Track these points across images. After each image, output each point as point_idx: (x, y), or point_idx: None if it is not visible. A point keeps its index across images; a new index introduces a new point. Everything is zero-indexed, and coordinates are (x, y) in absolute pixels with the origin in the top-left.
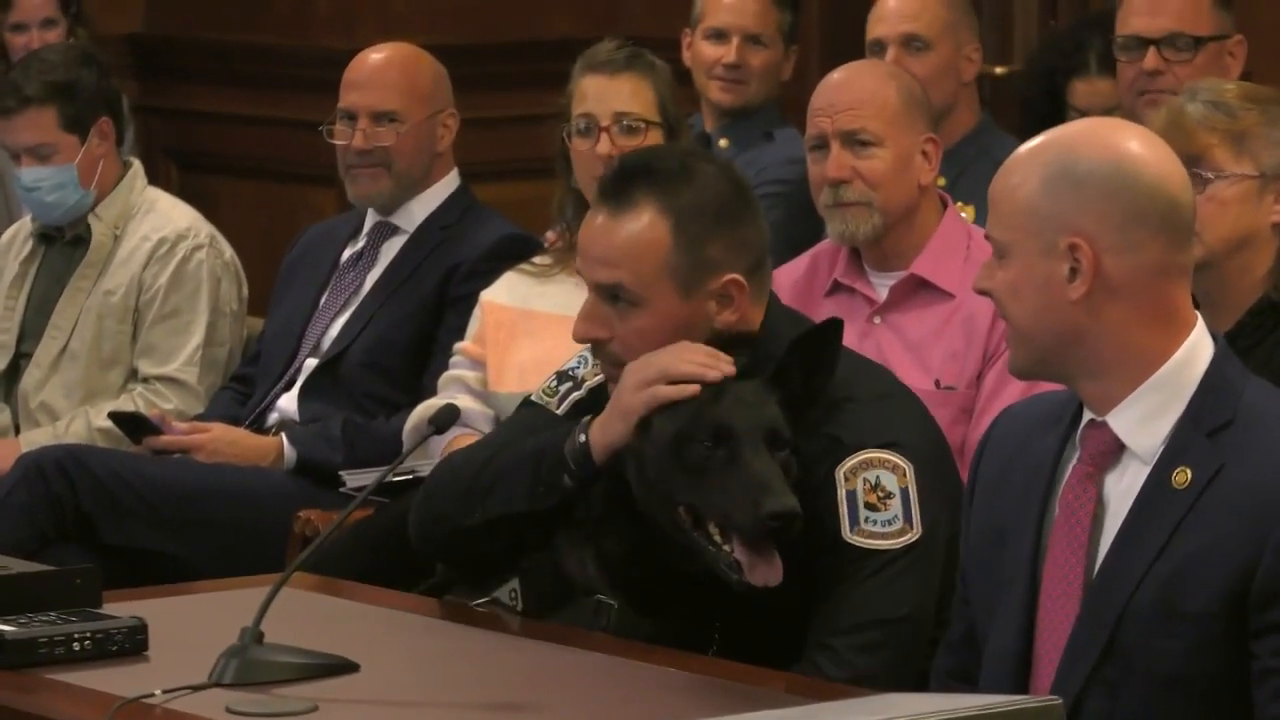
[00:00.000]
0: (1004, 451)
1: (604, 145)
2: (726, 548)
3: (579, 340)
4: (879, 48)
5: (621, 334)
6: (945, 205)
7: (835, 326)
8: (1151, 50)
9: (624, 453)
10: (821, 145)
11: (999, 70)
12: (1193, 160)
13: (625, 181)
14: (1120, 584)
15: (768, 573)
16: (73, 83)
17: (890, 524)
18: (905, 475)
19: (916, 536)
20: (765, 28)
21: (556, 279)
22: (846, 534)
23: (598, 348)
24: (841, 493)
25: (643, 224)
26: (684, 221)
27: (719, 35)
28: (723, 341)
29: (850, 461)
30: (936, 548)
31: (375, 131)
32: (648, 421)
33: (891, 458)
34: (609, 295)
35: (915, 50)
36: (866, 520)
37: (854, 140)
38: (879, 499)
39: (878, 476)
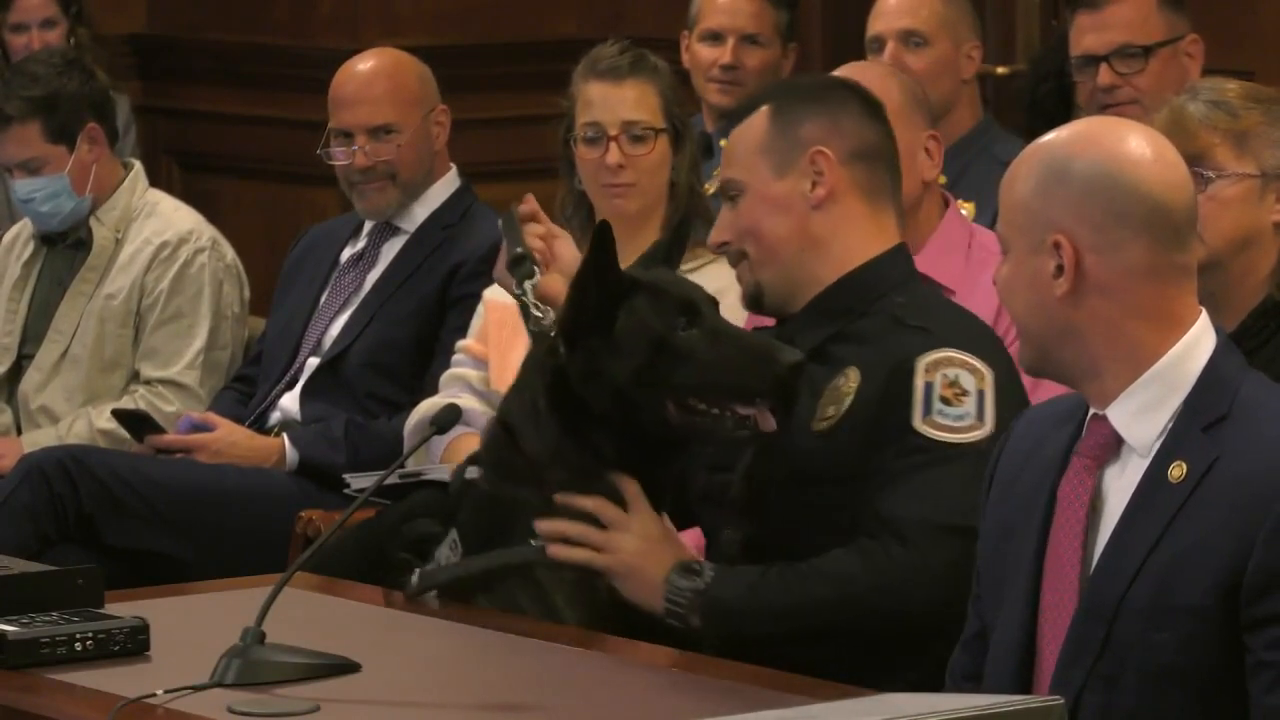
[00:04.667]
0: (1021, 451)
1: (613, 155)
2: (721, 412)
3: (714, 247)
4: (878, 44)
5: (735, 230)
6: (947, 203)
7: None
8: (1103, 66)
9: (586, 380)
10: None
11: (1001, 70)
12: (1194, 159)
13: (753, 99)
14: (1116, 579)
15: (770, 420)
16: (53, 95)
17: (961, 419)
18: (985, 380)
19: (987, 432)
20: (762, 28)
21: None
22: (916, 422)
23: (729, 255)
24: (919, 382)
25: (755, 118)
26: (783, 106)
27: (715, 37)
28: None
29: (932, 356)
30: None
31: (375, 147)
32: (607, 343)
33: (974, 361)
34: (726, 196)
35: (913, 46)
36: (939, 412)
37: None
38: (954, 395)
39: (957, 375)
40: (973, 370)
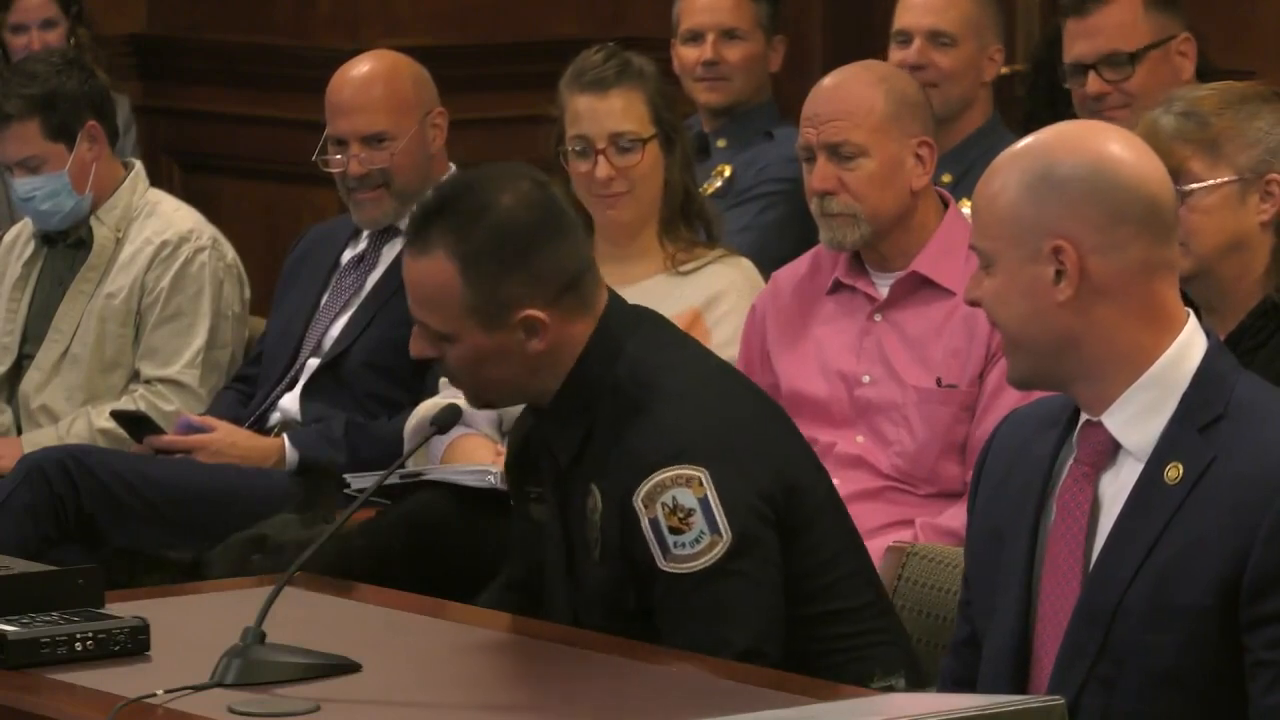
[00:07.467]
0: (1007, 453)
1: (602, 169)
2: None
3: (415, 358)
4: (904, 38)
5: (449, 359)
6: (947, 204)
7: None
8: (1091, 75)
9: None
10: (810, 157)
11: (1002, 70)
12: (1171, 175)
13: (423, 223)
14: (1113, 581)
15: None
16: (52, 93)
17: (699, 541)
18: (702, 485)
19: (726, 544)
20: (740, 21)
21: None
22: (662, 565)
23: (436, 363)
24: (645, 524)
25: (435, 269)
26: (472, 265)
27: (696, 36)
28: None
29: (645, 488)
30: (761, 534)
31: (370, 155)
32: None
33: (683, 470)
34: (424, 327)
35: (941, 45)
36: (676, 545)
37: (838, 153)
38: (680, 521)
39: (673, 497)
40: (686, 480)
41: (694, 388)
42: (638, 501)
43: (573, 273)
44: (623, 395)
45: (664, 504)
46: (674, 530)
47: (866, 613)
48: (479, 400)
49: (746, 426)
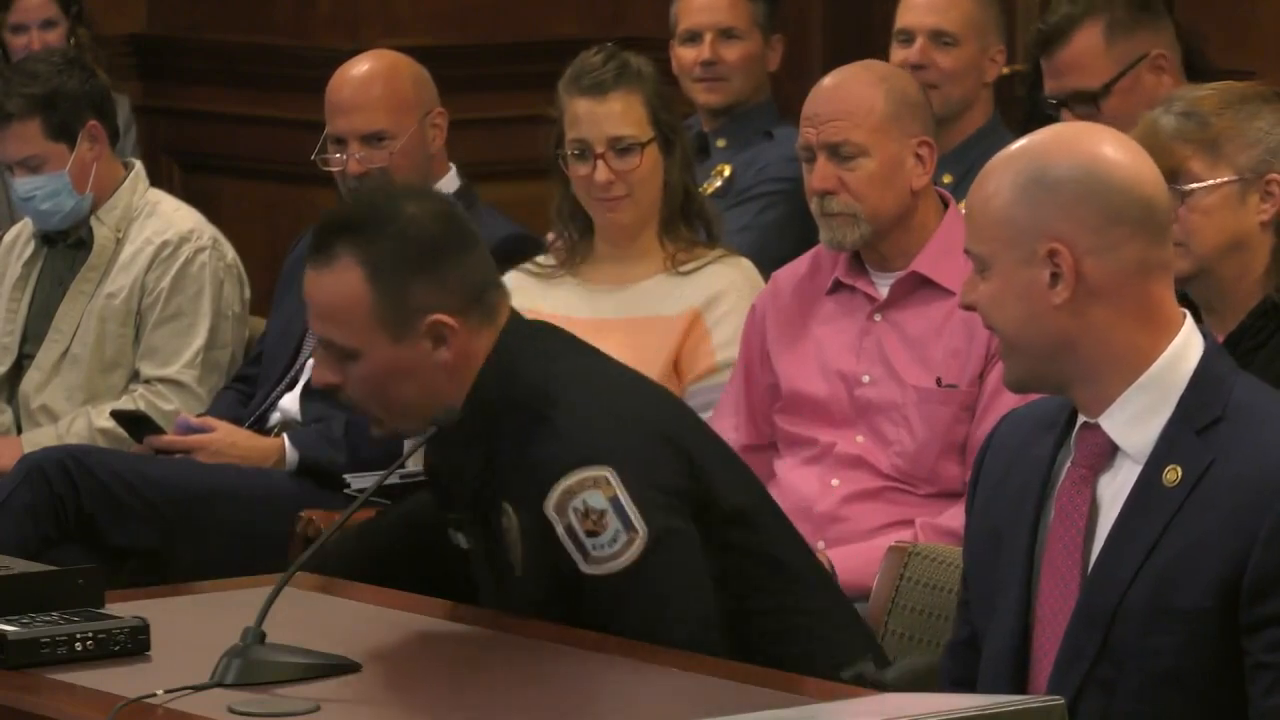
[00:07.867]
0: (1005, 454)
1: (601, 172)
2: None
3: (317, 386)
4: (906, 37)
5: (350, 381)
6: (947, 204)
7: None
8: (1064, 112)
9: None
10: (809, 157)
11: (1003, 70)
12: (1171, 175)
13: (326, 237)
14: (1113, 583)
15: None
16: (53, 92)
17: (615, 541)
18: (609, 482)
19: (644, 540)
20: (737, 21)
21: (560, 280)
22: (586, 569)
23: (337, 391)
24: (560, 531)
25: (341, 278)
26: (380, 269)
27: (693, 37)
28: None
29: (554, 496)
30: (677, 525)
31: (369, 154)
32: None
33: (589, 472)
34: (328, 346)
35: (943, 45)
36: (595, 548)
37: (838, 153)
38: (594, 523)
39: (584, 500)
40: (594, 482)
41: (592, 392)
42: (549, 511)
43: (480, 284)
44: (522, 410)
45: (575, 509)
46: (590, 533)
47: (821, 601)
48: (384, 426)
49: (649, 424)
